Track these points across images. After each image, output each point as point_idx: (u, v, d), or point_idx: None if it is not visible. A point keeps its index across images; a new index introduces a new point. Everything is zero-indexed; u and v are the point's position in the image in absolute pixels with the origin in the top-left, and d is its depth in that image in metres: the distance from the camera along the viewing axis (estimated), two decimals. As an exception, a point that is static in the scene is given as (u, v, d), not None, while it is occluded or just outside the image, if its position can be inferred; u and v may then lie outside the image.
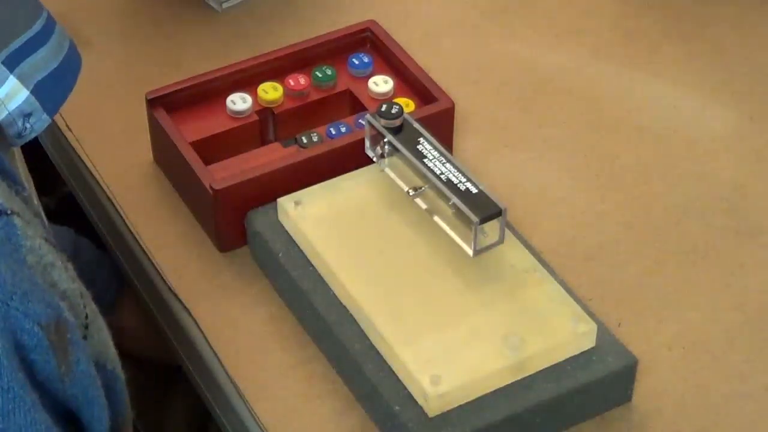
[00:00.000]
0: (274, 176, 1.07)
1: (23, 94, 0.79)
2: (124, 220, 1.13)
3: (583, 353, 0.96)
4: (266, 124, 1.15)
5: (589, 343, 0.96)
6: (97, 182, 1.16)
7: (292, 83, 1.15)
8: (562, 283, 0.99)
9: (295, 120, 1.14)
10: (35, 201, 0.83)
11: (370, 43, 1.19)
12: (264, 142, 1.14)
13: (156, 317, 1.10)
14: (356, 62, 1.17)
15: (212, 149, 1.10)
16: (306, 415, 0.98)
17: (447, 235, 1.00)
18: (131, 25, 1.31)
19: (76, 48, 0.83)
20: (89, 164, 1.18)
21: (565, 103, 1.23)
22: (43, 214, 0.88)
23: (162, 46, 1.28)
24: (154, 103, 1.12)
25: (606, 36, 1.30)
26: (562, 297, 0.98)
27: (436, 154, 1.01)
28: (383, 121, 1.03)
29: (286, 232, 1.04)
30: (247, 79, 1.15)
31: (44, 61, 0.80)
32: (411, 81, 1.16)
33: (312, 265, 1.02)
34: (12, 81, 0.78)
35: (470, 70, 1.26)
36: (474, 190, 0.98)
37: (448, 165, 1.00)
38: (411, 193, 1.01)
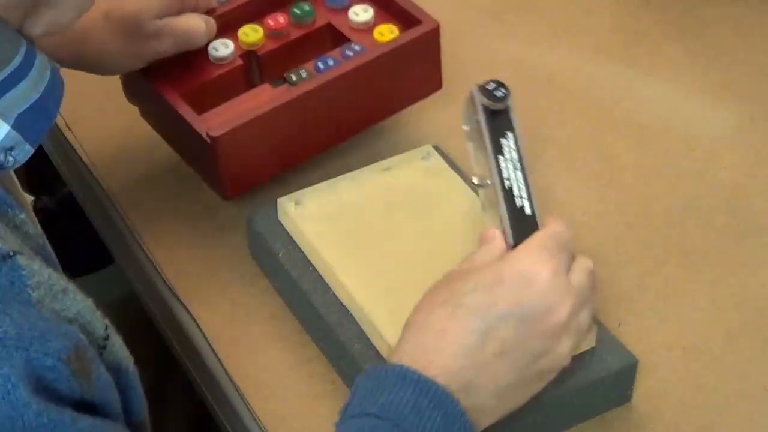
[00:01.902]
0: (269, 116, 1.05)
1: (4, 129, 0.78)
2: (124, 221, 1.13)
3: (583, 353, 0.96)
4: (251, 67, 1.13)
5: (589, 343, 0.96)
6: (97, 182, 1.16)
7: (271, 23, 1.13)
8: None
9: (279, 60, 1.12)
10: (30, 217, 0.82)
11: None
12: (251, 85, 1.12)
13: (156, 317, 1.10)
14: None
15: (202, 99, 1.08)
16: (306, 415, 0.98)
17: (447, 235, 1.00)
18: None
19: (59, 74, 0.82)
20: (89, 164, 1.18)
21: (565, 103, 1.23)
22: (39, 225, 0.88)
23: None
24: None
25: (606, 36, 1.30)
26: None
27: (514, 156, 0.95)
28: (484, 100, 0.96)
29: (286, 232, 1.04)
30: (226, 24, 1.13)
31: (25, 93, 0.79)
32: (391, 6, 1.13)
33: (312, 265, 1.02)
34: None
35: (470, 70, 1.26)
36: (528, 212, 0.93)
37: (518, 173, 0.94)
38: (475, 182, 0.97)
